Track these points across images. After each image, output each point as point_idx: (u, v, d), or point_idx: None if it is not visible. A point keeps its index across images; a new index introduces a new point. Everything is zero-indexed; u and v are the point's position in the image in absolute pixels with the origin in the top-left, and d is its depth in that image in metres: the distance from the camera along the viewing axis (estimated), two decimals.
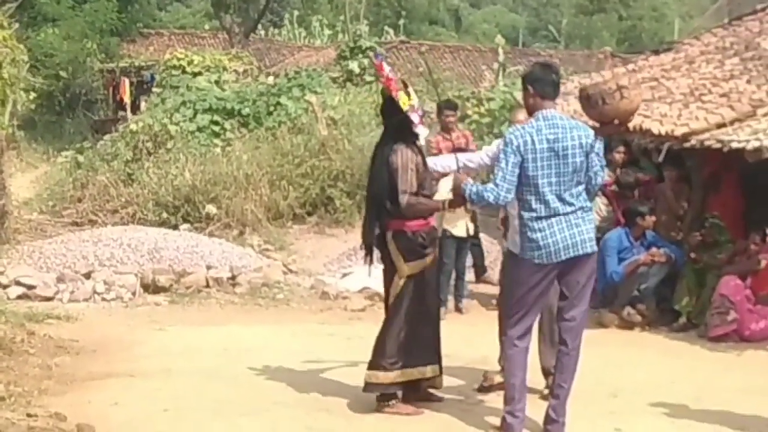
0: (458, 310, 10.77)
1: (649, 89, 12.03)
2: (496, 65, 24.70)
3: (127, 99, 28.36)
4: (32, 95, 17.34)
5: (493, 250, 12.36)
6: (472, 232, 10.74)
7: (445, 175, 9.76)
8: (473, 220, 10.73)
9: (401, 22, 43.41)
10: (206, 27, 43.03)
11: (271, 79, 21.38)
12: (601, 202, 10.76)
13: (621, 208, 10.70)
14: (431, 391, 6.85)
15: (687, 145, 9.93)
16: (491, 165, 6.58)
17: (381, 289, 7.12)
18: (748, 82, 11.24)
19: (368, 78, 21.17)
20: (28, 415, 6.20)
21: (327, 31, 41.26)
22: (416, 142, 6.70)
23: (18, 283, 10.99)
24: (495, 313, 7.41)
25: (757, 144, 9.03)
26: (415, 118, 6.67)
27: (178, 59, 26.38)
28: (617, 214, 10.77)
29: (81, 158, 19.38)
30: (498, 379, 6.93)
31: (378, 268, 6.85)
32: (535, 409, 6.31)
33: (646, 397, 7.06)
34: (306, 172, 15.46)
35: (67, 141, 26.37)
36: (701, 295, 9.75)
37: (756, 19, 13.92)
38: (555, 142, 5.93)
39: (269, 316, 10.63)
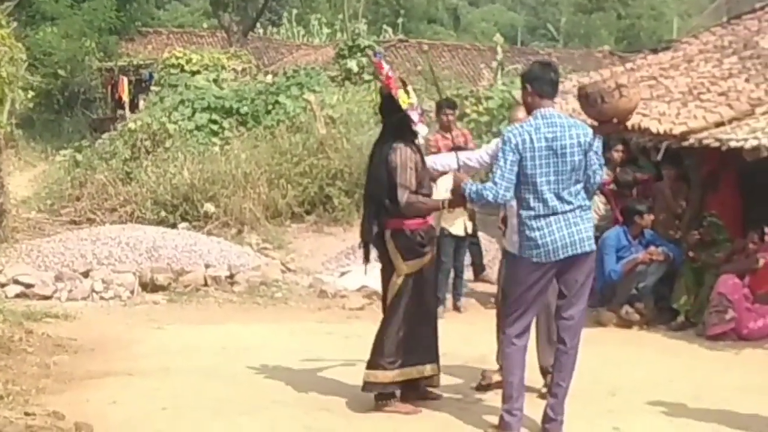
0: (456, 308, 10.77)
1: (647, 88, 12.02)
2: (494, 64, 24.71)
3: (125, 98, 28.36)
4: (31, 94, 17.33)
5: (491, 249, 12.36)
6: (470, 231, 10.75)
7: (444, 173, 9.81)
8: (471, 218, 10.73)
9: (400, 20, 43.38)
10: (205, 25, 43.01)
11: (269, 78, 21.38)
12: (599, 200, 10.77)
13: (619, 207, 10.71)
14: (429, 389, 6.85)
15: (685, 143, 9.92)
16: (491, 163, 6.58)
17: (379, 288, 7.12)
18: (747, 80, 11.24)
19: (367, 77, 21.18)
20: (26, 414, 6.20)
21: (325, 30, 41.25)
22: (415, 141, 6.70)
23: (16, 282, 10.99)
24: (493, 312, 7.44)
25: (755, 143, 9.03)
26: (414, 116, 6.67)
27: (177, 58, 26.38)
28: (615, 213, 10.78)
29: (79, 157, 19.38)
30: (496, 377, 6.93)
31: (375, 267, 6.85)
32: (534, 408, 6.31)
33: (644, 395, 7.07)
34: (304, 171, 15.45)
35: (65, 140, 26.37)
36: (699, 294, 9.75)
37: (755, 18, 13.92)
38: (553, 141, 5.93)
39: (268, 314, 10.62)
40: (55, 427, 5.99)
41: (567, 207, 5.96)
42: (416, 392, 6.76)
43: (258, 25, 39.46)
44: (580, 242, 5.96)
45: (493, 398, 6.69)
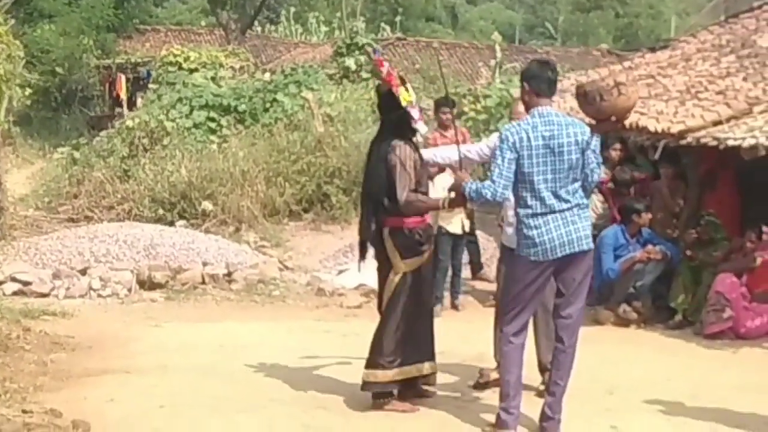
0: (454, 307, 10.77)
1: (645, 86, 12.03)
2: (492, 62, 24.70)
3: (123, 95, 28.37)
4: (28, 91, 17.36)
5: (489, 247, 12.37)
6: (467, 229, 10.75)
7: (441, 171, 9.82)
8: (470, 217, 10.73)
9: (398, 18, 43.39)
10: (203, 23, 42.98)
11: (267, 76, 21.36)
12: (597, 199, 10.77)
13: (617, 206, 10.71)
14: (424, 387, 6.85)
15: (683, 142, 9.93)
16: (491, 156, 6.57)
17: (376, 286, 7.11)
18: (745, 79, 11.24)
19: (364, 75, 21.16)
20: (24, 412, 6.19)
21: (323, 28, 41.24)
22: (413, 139, 6.70)
23: (13, 280, 11.00)
24: (491, 310, 7.44)
25: (753, 141, 9.03)
26: (414, 114, 6.67)
27: (175, 56, 26.37)
28: (613, 212, 10.78)
29: (77, 154, 19.37)
30: (494, 375, 6.93)
31: (370, 265, 6.84)
32: (531, 406, 6.31)
33: (641, 394, 7.06)
34: (302, 169, 15.45)
35: (63, 137, 26.36)
36: (697, 293, 9.75)
37: (752, 17, 13.93)
38: (550, 139, 5.93)
39: (265, 312, 10.63)
40: (52, 425, 5.98)
41: (564, 205, 5.96)
42: (413, 390, 6.76)
43: (256, 23, 39.42)
44: (577, 240, 5.96)
45: (491, 396, 6.68)
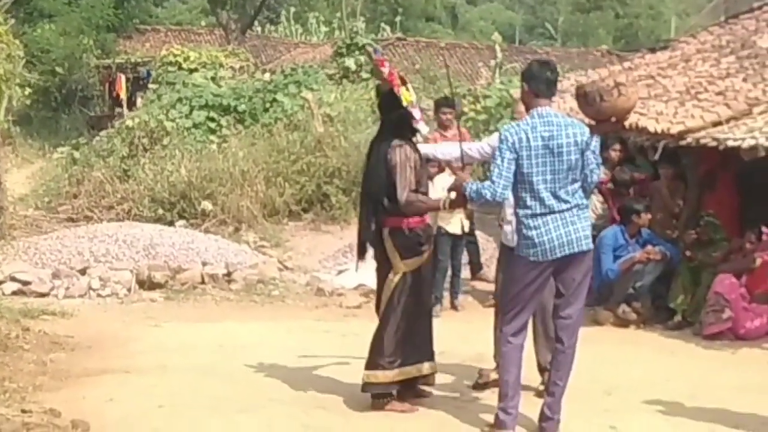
0: (454, 307, 10.77)
1: (645, 87, 12.03)
2: (492, 63, 24.72)
3: (123, 95, 28.37)
4: (28, 91, 17.37)
5: (488, 248, 12.37)
6: (467, 229, 10.74)
7: (441, 171, 9.82)
8: (469, 217, 10.73)
9: (398, 19, 43.40)
10: (203, 23, 42.99)
11: (267, 76, 21.36)
12: (597, 199, 10.77)
13: (616, 206, 10.72)
14: (422, 387, 6.85)
15: (683, 143, 9.93)
16: (492, 154, 6.56)
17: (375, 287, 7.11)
18: (744, 80, 11.24)
19: (364, 75, 21.15)
20: (23, 411, 6.19)
21: (323, 28, 41.25)
22: (413, 139, 6.69)
23: (13, 279, 11.00)
24: (490, 311, 7.44)
25: (752, 142, 9.03)
26: (416, 114, 6.67)
27: (175, 55, 26.36)
28: (613, 212, 10.79)
29: (77, 154, 19.36)
30: (493, 376, 6.93)
31: (368, 265, 6.83)
32: (531, 407, 6.31)
33: (641, 394, 7.07)
34: (302, 169, 15.44)
35: (62, 137, 26.36)
36: (696, 293, 9.75)
37: (752, 18, 13.92)
38: (550, 140, 5.93)
39: (264, 312, 10.63)
40: (51, 425, 5.98)
41: (564, 206, 5.96)
42: (413, 391, 6.76)
43: (256, 23, 39.44)
44: (577, 241, 5.96)
45: (490, 397, 6.68)
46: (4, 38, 13.49)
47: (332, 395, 6.89)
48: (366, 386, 6.61)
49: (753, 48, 12.45)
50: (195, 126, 17.88)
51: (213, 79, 20.90)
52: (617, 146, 11.17)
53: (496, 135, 6.94)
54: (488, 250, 12.27)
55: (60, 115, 30.88)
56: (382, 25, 41.41)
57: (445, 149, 7.12)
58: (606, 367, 7.87)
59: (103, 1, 33.57)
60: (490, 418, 6.26)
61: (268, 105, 18.20)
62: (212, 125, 18.00)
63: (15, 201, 16.35)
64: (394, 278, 6.57)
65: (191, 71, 23.73)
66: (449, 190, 6.46)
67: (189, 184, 15.47)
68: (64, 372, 7.51)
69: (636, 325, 9.91)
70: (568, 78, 14.41)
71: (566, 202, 5.96)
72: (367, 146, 7.05)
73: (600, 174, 6.27)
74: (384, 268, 6.64)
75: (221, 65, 25.19)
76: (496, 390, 6.29)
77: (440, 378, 7.00)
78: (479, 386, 7.15)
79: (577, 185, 6.01)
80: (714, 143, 9.47)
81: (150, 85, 24.38)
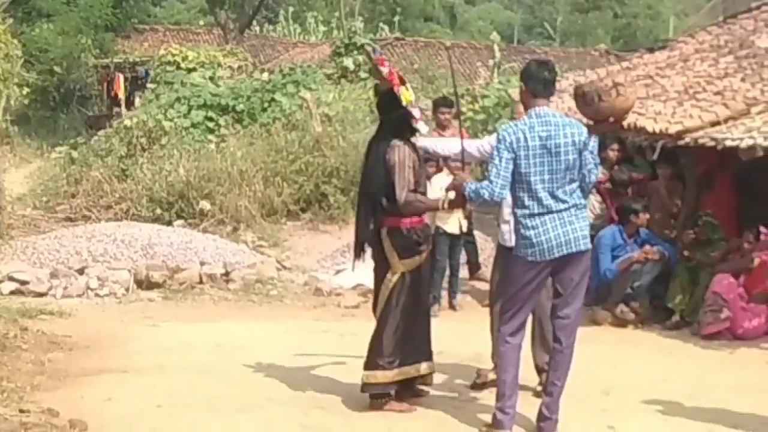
0: (452, 307, 10.77)
1: (643, 87, 12.03)
2: (491, 62, 24.71)
3: (121, 95, 28.34)
4: (26, 90, 17.34)
5: (487, 248, 12.36)
6: (465, 229, 10.74)
7: (439, 171, 9.83)
8: (467, 217, 10.73)
9: (396, 18, 43.33)
10: (201, 23, 42.94)
11: (265, 76, 21.36)
12: (595, 199, 10.77)
13: (615, 206, 10.72)
14: (420, 387, 6.85)
15: (681, 143, 9.93)
16: (491, 153, 6.56)
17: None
18: (743, 80, 11.25)
19: (363, 75, 21.16)
20: (21, 411, 6.19)
21: (322, 28, 41.22)
22: (411, 139, 6.69)
23: (11, 279, 10.99)
24: (488, 311, 7.42)
25: (751, 142, 9.04)
26: (416, 113, 6.67)
27: (173, 55, 26.34)
28: (611, 212, 10.79)
29: (75, 154, 19.38)
30: (491, 376, 6.93)
31: (365, 265, 6.83)
32: (529, 407, 6.31)
33: (639, 394, 7.07)
34: (300, 169, 15.45)
35: (61, 136, 26.37)
36: (694, 293, 9.76)
37: (750, 18, 13.93)
38: (547, 140, 5.93)
39: (263, 312, 10.63)
40: (49, 424, 5.98)
41: (562, 206, 5.96)
42: (411, 390, 6.75)
43: (254, 22, 39.40)
44: (575, 241, 5.96)
45: (488, 396, 6.68)
46: (3, 38, 13.49)
47: (330, 395, 6.89)
48: (365, 386, 6.60)
49: (751, 48, 12.46)
50: (193, 126, 17.89)
51: (211, 78, 20.89)
52: (615, 146, 11.17)
53: (495, 135, 6.93)
54: (486, 250, 12.26)
55: (58, 114, 30.87)
56: (381, 24, 41.38)
57: (445, 145, 7.13)
58: (604, 367, 7.87)
59: (101, 1, 33.54)
60: (488, 418, 6.26)
61: (266, 105, 18.20)
62: (210, 125, 18.01)
63: (13, 200, 16.36)
64: (392, 278, 6.56)
65: (189, 71, 23.70)
66: (447, 189, 6.45)
67: (187, 183, 15.48)
68: (62, 372, 7.50)
69: (634, 325, 9.91)
70: (567, 78, 14.42)
71: (564, 202, 5.96)
72: (365, 146, 7.05)
73: (598, 174, 6.27)
74: (382, 268, 6.64)
75: (219, 65, 25.18)
76: (494, 390, 6.29)
77: (438, 378, 7.01)
78: (477, 386, 7.15)
79: (575, 185, 6.01)
80: (712, 143, 9.48)
81: (148, 85, 24.37)
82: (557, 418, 6.10)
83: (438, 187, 8.57)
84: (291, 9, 42.88)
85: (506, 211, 6.83)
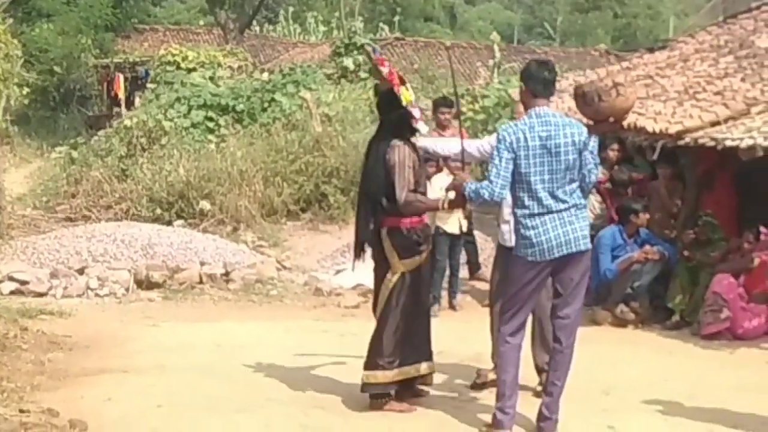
0: (452, 307, 10.77)
1: (643, 87, 12.03)
2: (491, 62, 24.71)
3: (121, 95, 28.34)
4: (26, 90, 17.34)
5: (487, 248, 12.36)
6: (464, 229, 10.74)
7: (439, 171, 9.83)
8: (467, 217, 10.73)
9: (396, 18, 43.33)
10: (201, 23, 42.94)
11: (265, 76, 21.36)
12: (595, 199, 10.77)
13: (615, 206, 10.72)
14: (420, 387, 6.85)
15: (681, 143, 9.93)
16: (491, 153, 6.56)
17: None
18: (743, 80, 11.25)
19: (363, 75, 21.16)
20: (21, 411, 6.19)
21: (322, 28, 41.22)
22: (411, 139, 6.69)
23: (11, 279, 10.99)
24: (488, 310, 7.42)
25: (751, 142, 9.04)
26: (416, 113, 6.67)
27: (173, 55, 26.34)
28: (611, 212, 10.79)
29: (75, 154, 19.38)
30: (491, 376, 6.93)
31: (364, 265, 6.83)
32: (529, 407, 6.31)
33: (639, 394, 7.07)
34: (300, 169, 15.45)
35: (61, 136, 26.37)
36: (694, 293, 9.76)
37: (750, 18, 13.93)
38: (547, 140, 5.93)
39: (263, 312, 10.63)
40: (49, 424, 5.98)
41: (562, 206, 5.96)
42: (411, 390, 6.75)
43: (254, 22, 39.40)
44: (575, 241, 5.96)
45: (488, 396, 6.68)
46: (3, 38, 13.50)
47: (330, 395, 6.89)
48: (365, 386, 6.60)
49: (751, 48, 12.46)
50: (193, 126, 17.88)
51: (211, 78, 20.89)
52: (615, 146, 11.17)
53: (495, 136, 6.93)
54: (487, 250, 12.26)
55: (58, 114, 30.87)
56: (381, 24, 41.38)
57: (445, 145, 7.13)
58: (604, 367, 7.87)
59: (101, 1, 33.55)
60: (488, 418, 6.26)
61: (266, 105, 18.20)
62: (210, 125, 18.00)
63: (13, 200, 16.36)
64: (392, 278, 6.56)
65: (189, 71, 23.70)
66: (447, 189, 6.45)
67: (187, 183, 15.48)
68: (62, 372, 7.50)
69: (634, 325, 9.91)
70: (567, 78, 14.42)
71: (564, 202, 5.96)
72: (365, 146, 7.05)
73: (598, 174, 6.27)
74: (382, 268, 6.64)
75: (219, 65, 25.18)
76: (494, 390, 6.29)
77: (438, 378, 7.01)
78: (477, 386, 7.15)
79: (575, 185, 6.01)
80: (712, 143, 9.48)
81: (148, 85, 24.37)
82: (557, 418, 6.10)
83: (438, 187, 8.57)
84: (291, 9, 42.88)
85: (506, 211, 6.83)
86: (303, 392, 6.99)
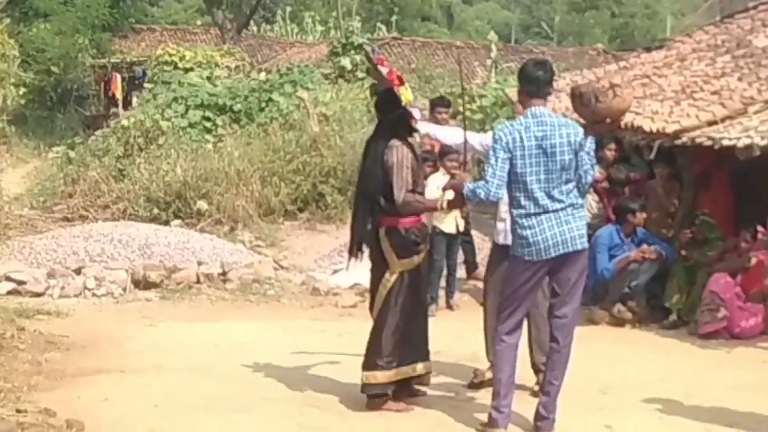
0: (449, 306, 10.78)
1: (640, 86, 12.04)
2: (488, 62, 24.72)
3: (118, 95, 28.28)
4: (23, 90, 17.32)
5: (484, 247, 12.32)
6: (461, 229, 10.75)
7: (435, 171, 9.83)
8: (465, 217, 10.73)
9: (393, 18, 43.34)
10: (198, 23, 42.95)
11: (263, 75, 21.34)
12: (592, 199, 10.77)
13: (612, 205, 10.72)
14: (417, 387, 6.85)
15: (678, 142, 9.94)
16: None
17: None
18: (740, 79, 11.25)
19: (360, 74, 21.15)
20: (18, 411, 6.18)
21: (319, 28, 41.24)
22: (409, 139, 6.69)
23: (8, 279, 10.99)
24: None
25: (748, 141, 9.04)
26: (416, 113, 6.68)
27: (170, 55, 26.32)
28: (608, 211, 10.78)
29: (72, 154, 19.35)
30: (488, 375, 6.93)
31: (360, 264, 6.83)
32: (526, 406, 6.32)
33: (636, 394, 7.07)
34: (297, 169, 15.44)
35: (58, 136, 26.33)
36: (691, 293, 9.76)
37: (747, 17, 13.94)
38: (543, 140, 5.93)
39: (260, 312, 10.63)
40: (46, 424, 5.98)
41: (558, 205, 5.96)
42: (408, 390, 6.76)
43: (252, 22, 39.42)
44: (571, 240, 5.96)
45: (485, 396, 6.67)
46: (0, 38, 13.47)
47: (328, 395, 6.89)
48: (365, 387, 6.61)
49: (748, 47, 12.47)
50: (190, 125, 17.85)
51: (209, 78, 20.87)
52: (613, 145, 11.16)
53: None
54: (484, 250, 12.22)
55: (55, 114, 30.83)
56: (378, 24, 41.41)
57: (447, 133, 7.14)
58: (601, 367, 7.88)
59: (98, 1, 33.55)
60: (485, 417, 6.25)
61: (263, 104, 18.17)
62: (208, 125, 17.97)
63: (10, 200, 16.35)
64: (390, 278, 6.56)
65: (187, 71, 23.68)
66: (445, 189, 6.45)
67: (184, 183, 15.46)
68: (59, 372, 7.50)
69: (631, 325, 9.92)
70: (564, 77, 14.42)
71: (560, 201, 5.97)
72: (362, 146, 7.05)
73: (594, 174, 6.27)
74: (380, 268, 6.64)
75: (217, 65, 25.17)
76: (491, 389, 6.29)
77: (435, 377, 7.01)
78: (474, 385, 7.16)
79: (571, 185, 6.02)
80: (709, 142, 9.48)
81: (145, 85, 24.32)
82: (554, 417, 6.11)
83: (434, 186, 8.57)
84: (288, 9, 42.89)
85: (503, 209, 6.82)
86: (300, 392, 7.00)
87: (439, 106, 10.96)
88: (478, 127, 16.29)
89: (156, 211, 15.31)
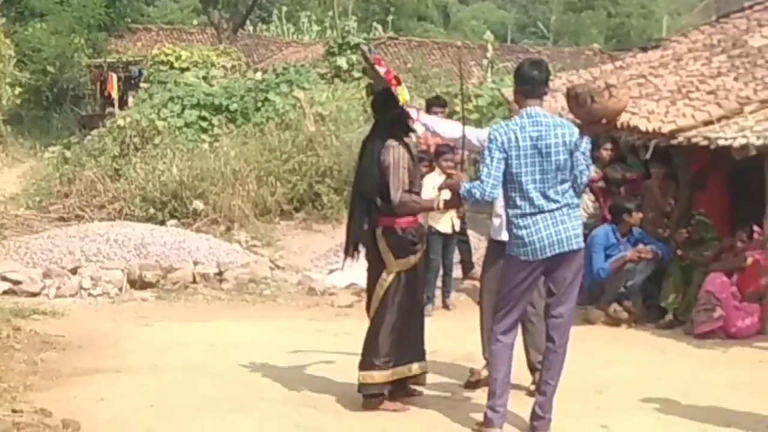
0: (445, 306, 10.78)
1: (636, 86, 12.04)
2: (484, 62, 24.73)
3: (114, 94, 28.30)
4: (19, 90, 17.37)
5: (480, 247, 12.32)
6: (457, 228, 10.75)
7: (431, 170, 9.83)
8: (461, 217, 10.74)
9: (389, 18, 43.35)
10: (194, 22, 42.95)
11: (259, 75, 21.33)
12: (588, 198, 10.78)
13: (608, 205, 10.72)
14: (413, 387, 6.85)
15: (674, 142, 9.94)
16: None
17: None
18: (736, 79, 11.25)
19: (356, 74, 21.15)
20: (14, 411, 6.18)
21: (315, 27, 41.23)
22: (405, 139, 6.69)
23: (4, 279, 10.97)
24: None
25: (743, 141, 9.04)
26: (414, 113, 6.68)
27: (166, 55, 26.31)
28: (604, 211, 10.79)
29: (68, 153, 19.33)
30: (484, 374, 6.93)
31: (356, 264, 6.83)
32: (522, 406, 6.32)
33: (632, 393, 7.08)
34: (293, 168, 15.43)
35: (54, 136, 26.28)
36: (687, 292, 9.76)
37: (743, 17, 13.94)
38: (538, 140, 5.93)
39: (256, 312, 10.62)
40: (42, 424, 5.97)
41: (553, 205, 5.97)
42: (404, 390, 6.76)
43: (248, 22, 39.41)
44: (567, 240, 5.96)
45: (482, 395, 6.67)
46: None
47: (324, 394, 6.89)
48: (362, 387, 6.61)
49: (744, 47, 12.47)
50: (186, 125, 17.84)
51: (205, 78, 20.87)
52: (608, 145, 11.17)
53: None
54: (480, 249, 12.20)
55: (51, 114, 30.79)
56: (374, 24, 41.38)
57: (446, 127, 7.14)
58: (597, 366, 7.88)
59: (94, 0, 33.53)
60: (481, 417, 6.25)
61: (259, 104, 18.17)
62: (204, 124, 17.96)
63: (6, 200, 16.37)
64: (387, 278, 6.57)
65: (183, 70, 23.67)
66: (441, 189, 6.45)
67: (180, 183, 15.45)
68: (55, 371, 7.49)
69: (627, 324, 9.92)
70: (560, 77, 14.42)
71: (556, 201, 5.97)
72: (358, 145, 7.05)
73: (590, 174, 6.27)
74: (376, 268, 6.64)
75: (213, 64, 25.15)
76: (487, 389, 6.29)
77: (432, 377, 7.01)
78: (471, 385, 7.16)
79: (566, 185, 6.02)
80: (705, 142, 9.48)
81: (141, 84, 24.32)
82: (550, 417, 6.11)
83: (430, 186, 8.56)
84: (284, 8, 42.90)
85: (498, 205, 6.80)
86: (297, 391, 7.00)
87: (435, 105, 10.96)
88: (474, 127, 16.30)
89: (152, 210, 15.29)
